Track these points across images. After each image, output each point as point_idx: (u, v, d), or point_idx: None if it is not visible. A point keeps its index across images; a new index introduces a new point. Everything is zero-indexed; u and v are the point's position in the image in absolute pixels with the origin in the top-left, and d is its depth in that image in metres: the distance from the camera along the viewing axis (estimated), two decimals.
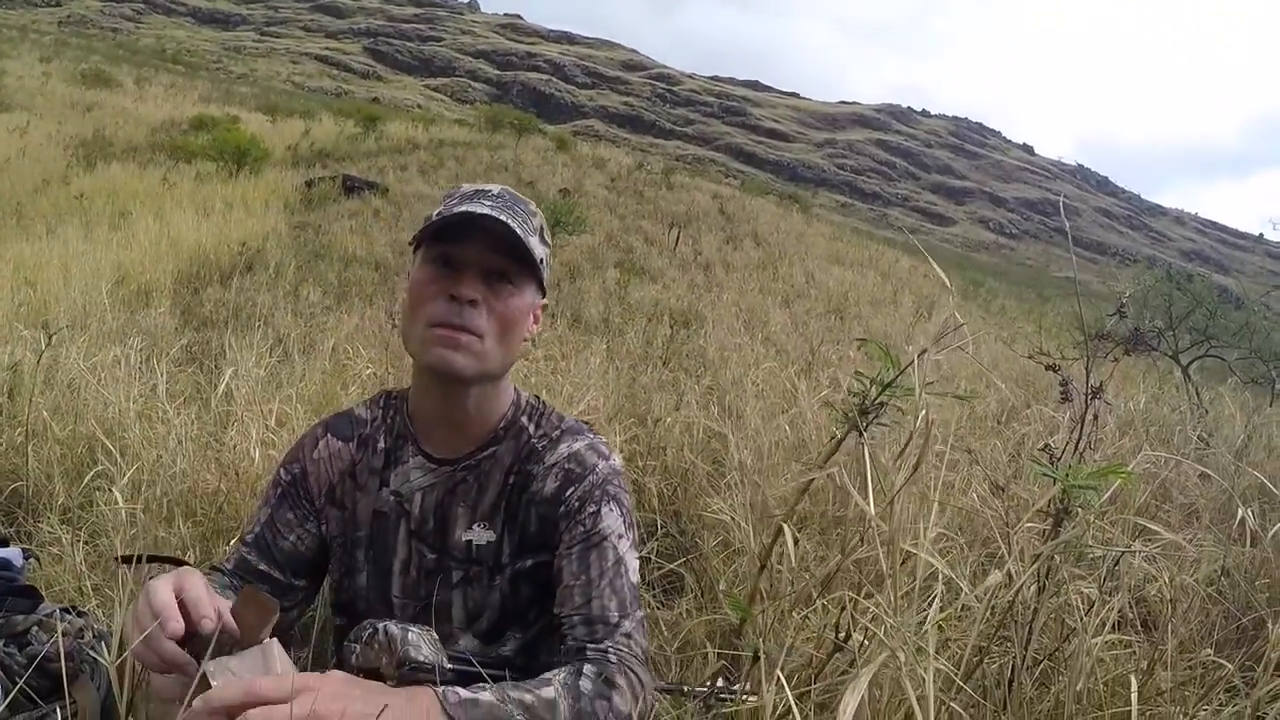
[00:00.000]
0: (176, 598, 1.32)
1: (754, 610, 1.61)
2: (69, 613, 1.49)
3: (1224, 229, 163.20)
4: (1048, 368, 2.15)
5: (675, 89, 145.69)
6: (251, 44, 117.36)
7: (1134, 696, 1.43)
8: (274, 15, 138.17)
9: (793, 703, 1.14)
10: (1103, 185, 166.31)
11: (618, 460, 1.86)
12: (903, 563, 1.35)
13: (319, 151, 26.86)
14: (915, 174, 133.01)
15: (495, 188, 1.76)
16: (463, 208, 1.67)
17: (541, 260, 1.74)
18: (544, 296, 1.83)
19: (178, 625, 1.29)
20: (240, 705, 1.22)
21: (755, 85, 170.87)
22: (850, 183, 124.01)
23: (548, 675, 1.51)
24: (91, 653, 1.41)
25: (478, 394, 1.77)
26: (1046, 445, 1.63)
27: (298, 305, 9.77)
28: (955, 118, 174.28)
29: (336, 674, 1.34)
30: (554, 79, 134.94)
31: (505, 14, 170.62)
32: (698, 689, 1.81)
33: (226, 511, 3.27)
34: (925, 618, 1.26)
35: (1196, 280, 12.80)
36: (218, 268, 12.38)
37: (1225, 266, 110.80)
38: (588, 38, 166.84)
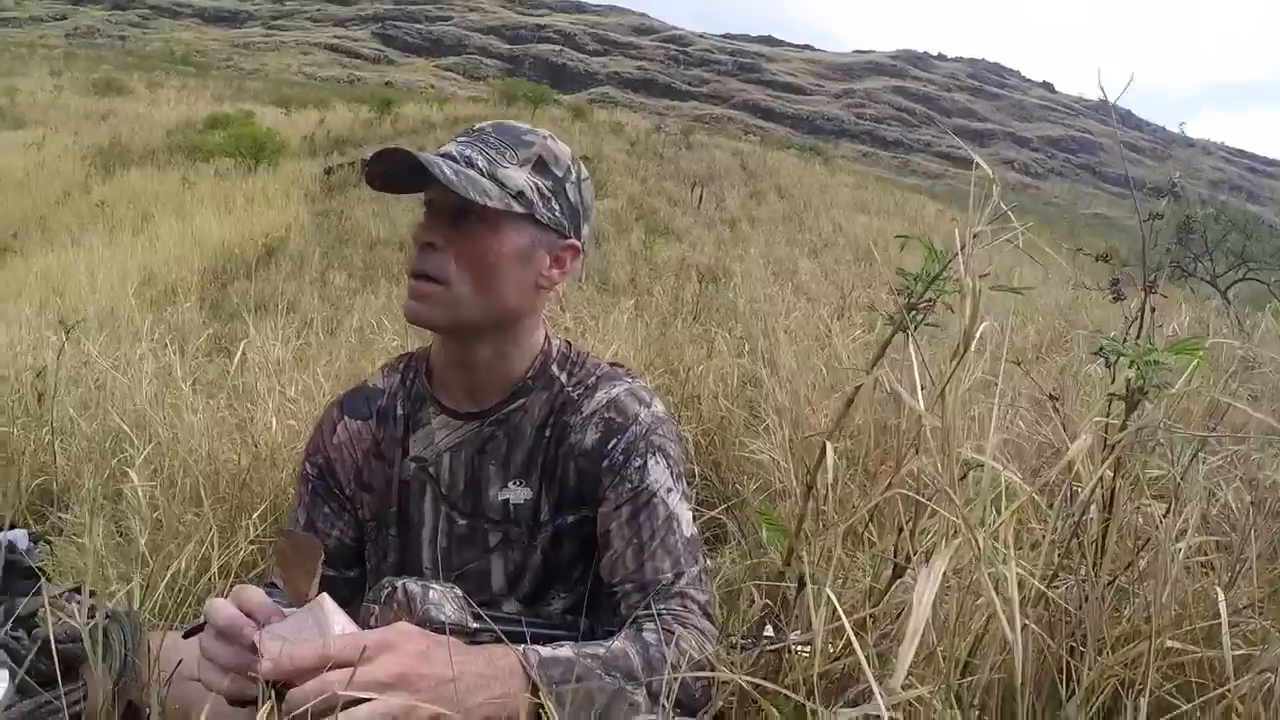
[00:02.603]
0: (241, 610, 1.22)
1: (799, 541, 1.48)
2: (79, 594, 1.42)
3: (1252, 156, 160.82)
4: (1098, 258, 2.05)
5: (688, 50, 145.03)
6: (260, 39, 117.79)
7: (1223, 608, 1.32)
8: (280, 8, 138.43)
9: (851, 634, 1.02)
10: (1126, 119, 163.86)
11: (660, 406, 1.72)
12: (962, 478, 1.25)
13: (336, 139, 26.82)
14: (936, 119, 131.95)
15: (491, 124, 1.63)
16: (445, 147, 1.57)
17: (522, 191, 1.54)
18: (567, 235, 1.63)
19: (253, 630, 1.19)
20: (313, 670, 1.12)
21: (768, 40, 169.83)
22: (871, 132, 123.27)
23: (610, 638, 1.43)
24: (104, 634, 1.34)
25: (491, 344, 1.64)
26: (1109, 338, 1.52)
27: (324, 290, 9.78)
28: (972, 59, 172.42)
29: (412, 629, 1.25)
30: (566, 49, 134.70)
31: None
32: (742, 640, 1.69)
33: (251, 488, 3.23)
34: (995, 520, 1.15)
35: (1228, 205, 12.67)
36: (243, 262, 12.40)
37: (1256, 194, 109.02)
38: (596, 5, 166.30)
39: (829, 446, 1.24)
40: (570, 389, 1.71)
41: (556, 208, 1.59)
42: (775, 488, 3.22)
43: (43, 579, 1.45)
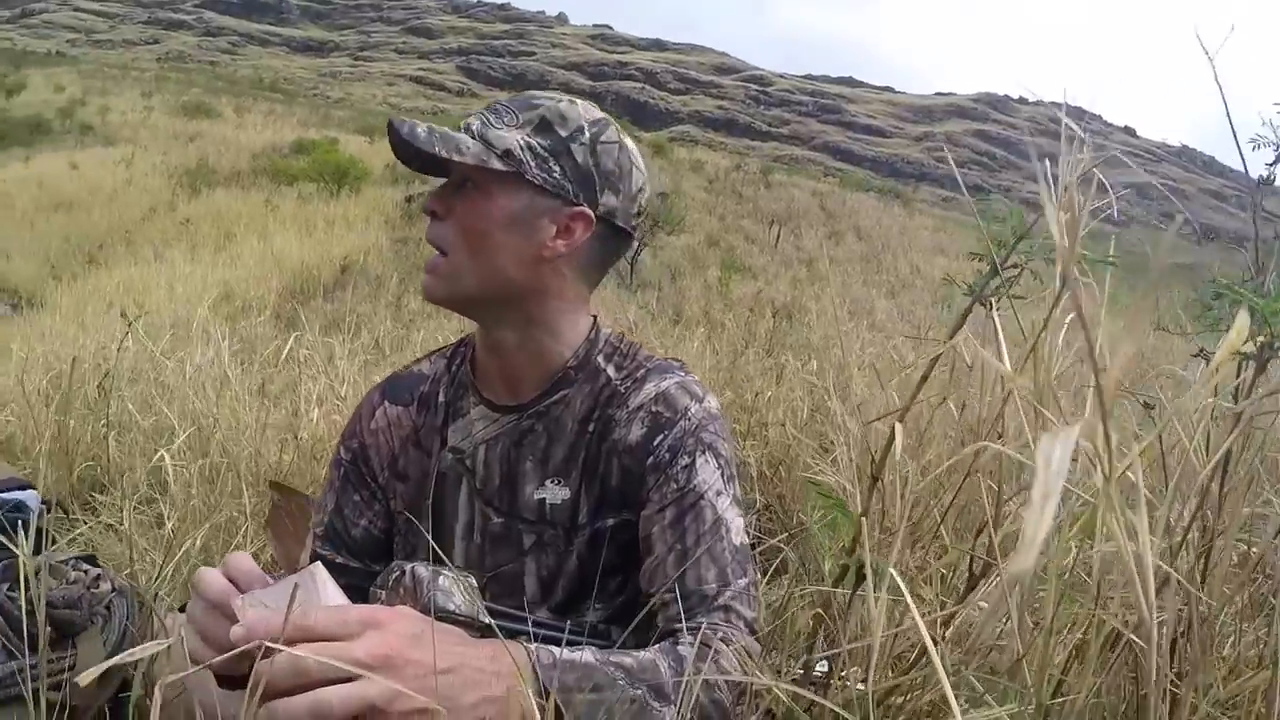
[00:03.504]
0: (228, 578, 1.12)
1: (861, 534, 1.31)
2: (85, 561, 1.36)
3: None
4: (1201, 240, 1.92)
5: (768, 90, 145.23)
6: (346, 69, 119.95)
7: None
8: (367, 40, 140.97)
9: (925, 635, 0.90)
10: (1209, 165, 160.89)
11: (714, 402, 1.57)
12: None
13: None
14: (1016, 164, 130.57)
15: (500, 102, 1.52)
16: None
17: (509, 150, 1.42)
18: (575, 201, 1.47)
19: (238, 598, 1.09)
20: (289, 642, 0.98)
21: (849, 81, 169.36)
22: (951, 175, 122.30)
23: (640, 649, 1.29)
24: (106, 606, 1.28)
25: (511, 327, 1.52)
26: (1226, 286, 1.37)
27: (398, 314, 9.81)
28: (1054, 103, 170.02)
29: (409, 610, 1.11)
30: (647, 87, 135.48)
31: (595, 25, 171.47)
32: (793, 677, 1.54)
33: (291, 482, 3.22)
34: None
35: None
36: (320, 283, 12.53)
37: None
38: (678, 43, 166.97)
39: (898, 429, 1.14)
40: (617, 382, 1.57)
41: (556, 169, 1.46)
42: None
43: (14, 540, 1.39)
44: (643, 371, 1.58)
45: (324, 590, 1.10)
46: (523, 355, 1.55)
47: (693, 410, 1.52)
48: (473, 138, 1.43)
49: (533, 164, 1.44)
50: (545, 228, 1.46)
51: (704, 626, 1.33)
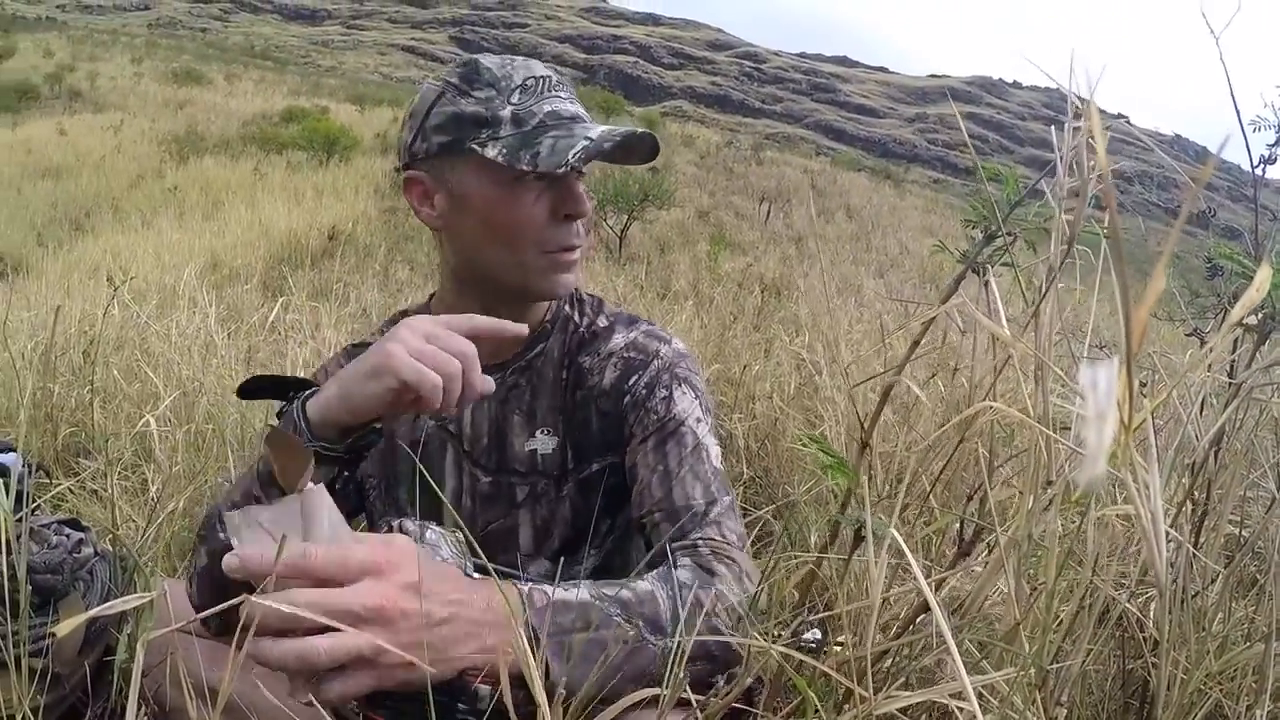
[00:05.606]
0: None
1: (856, 488, 1.28)
2: (68, 525, 1.34)
3: None
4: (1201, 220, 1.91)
5: (762, 67, 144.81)
6: (338, 38, 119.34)
7: None
8: (359, 8, 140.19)
9: (928, 593, 0.89)
10: (1201, 156, 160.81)
11: (681, 344, 1.62)
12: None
13: None
14: (1009, 147, 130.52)
15: (552, 75, 1.48)
16: (555, 107, 1.43)
17: None
18: None
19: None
20: (284, 580, 0.97)
21: (844, 61, 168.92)
22: (942, 157, 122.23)
23: (638, 577, 1.28)
24: (89, 572, 1.26)
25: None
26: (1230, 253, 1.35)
27: (385, 283, 9.78)
28: (1048, 88, 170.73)
29: (407, 548, 1.08)
30: (640, 61, 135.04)
31: None
32: (782, 645, 1.52)
33: None
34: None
35: None
36: (308, 252, 12.48)
37: None
38: (673, 18, 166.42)
39: (889, 389, 1.12)
40: (584, 327, 1.62)
41: None
42: (826, 487, 3.10)
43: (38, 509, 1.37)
44: (609, 321, 1.63)
45: (321, 514, 1.06)
46: (528, 319, 1.57)
47: (664, 350, 1.57)
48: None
49: None
50: None
51: (700, 545, 1.35)
